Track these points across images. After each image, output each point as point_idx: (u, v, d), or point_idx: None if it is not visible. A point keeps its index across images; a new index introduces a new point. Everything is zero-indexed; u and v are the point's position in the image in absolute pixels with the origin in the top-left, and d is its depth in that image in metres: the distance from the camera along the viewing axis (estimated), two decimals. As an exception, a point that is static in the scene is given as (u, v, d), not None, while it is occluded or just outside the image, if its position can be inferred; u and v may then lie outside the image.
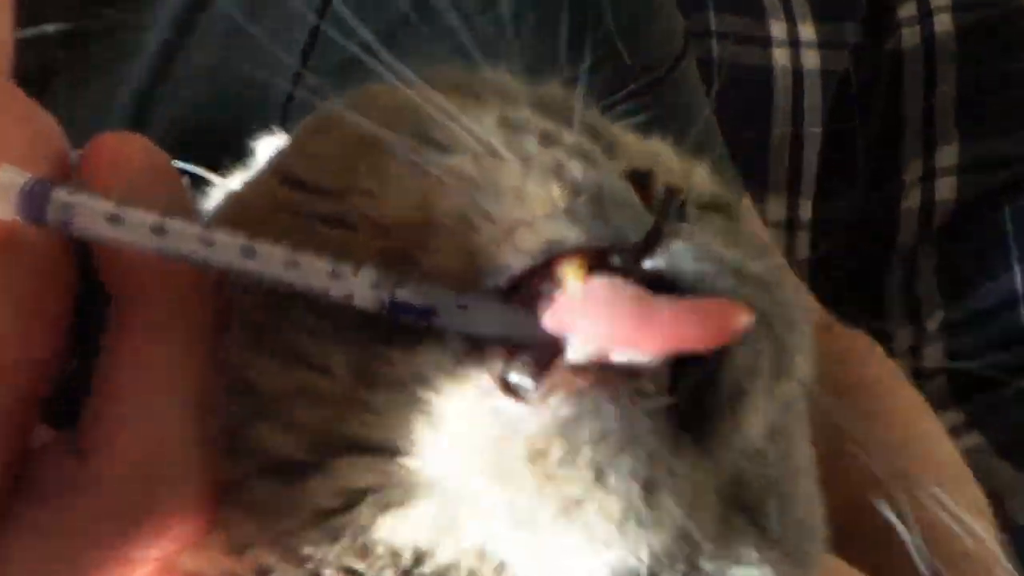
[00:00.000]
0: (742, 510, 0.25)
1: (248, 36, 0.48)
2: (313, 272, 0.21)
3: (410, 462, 0.22)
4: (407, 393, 0.21)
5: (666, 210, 0.23)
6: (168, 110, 0.53)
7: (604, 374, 0.21)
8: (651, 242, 0.22)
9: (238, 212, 0.27)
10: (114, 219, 0.21)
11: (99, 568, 0.22)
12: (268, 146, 0.36)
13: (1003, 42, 0.79)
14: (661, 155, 0.33)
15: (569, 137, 0.24)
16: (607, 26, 0.57)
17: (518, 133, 0.23)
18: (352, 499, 0.22)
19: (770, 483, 0.26)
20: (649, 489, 0.21)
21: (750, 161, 0.77)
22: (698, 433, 0.23)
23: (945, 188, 0.77)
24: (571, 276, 0.21)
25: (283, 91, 0.48)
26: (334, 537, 0.23)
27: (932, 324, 0.74)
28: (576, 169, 0.22)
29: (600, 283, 0.21)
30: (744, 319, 0.21)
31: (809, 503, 0.29)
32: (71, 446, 0.22)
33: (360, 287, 0.21)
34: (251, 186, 0.29)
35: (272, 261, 0.21)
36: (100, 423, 0.22)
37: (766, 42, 0.79)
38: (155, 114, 0.53)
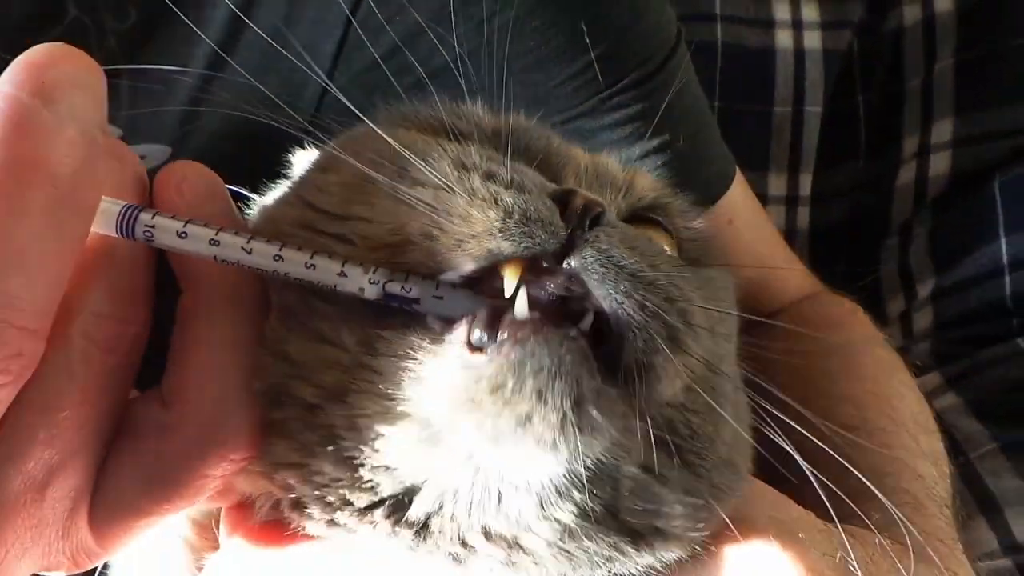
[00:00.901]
0: (671, 449, 0.32)
1: (285, 45, 0.55)
2: (326, 272, 0.28)
3: (402, 404, 0.29)
4: (397, 359, 0.29)
5: (581, 223, 0.30)
6: (217, 112, 0.59)
7: (540, 325, 0.28)
8: (564, 250, 0.29)
9: (272, 226, 0.34)
10: (182, 235, 0.28)
11: (183, 484, 0.30)
12: (302, 159, 0.44)
13: (1002, 20, 0.81)
14: (605, 167, 0.40)
15: (505, 175, 0.31)
16: (606, 22, 0.62)
17: (466, 172, 0.31)
18: (354, 422, 0.29)
19: (694, 428, 0.33)
20: (580, 404, 0.28)
21: (752, 140, 0.82)
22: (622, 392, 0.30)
23: (940, 162, 0.80)
24: (508, 276, 0.28)
25: (315, 95, 0.55)
26: (337, 459, 0.30)
27: (924, 291, 0.78)
28: (509, 198, 0.29)
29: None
30: None
31: (735, 444, 0.35)
32: (157, 397, 0.30)
33: (362, 283, 0.28)
34: (279, 206, 0.36)
35: (296, 263, 0.28)
36: (178, 380, 0.30)
37: (769, 24, 0.83)
38: (206, 113, 0.60)
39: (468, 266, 0.29)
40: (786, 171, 0.83)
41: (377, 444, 0.29)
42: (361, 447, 0.29)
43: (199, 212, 0.30)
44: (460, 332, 0.28)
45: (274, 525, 0.34)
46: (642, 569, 0.33)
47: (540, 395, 0.27)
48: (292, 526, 0.33)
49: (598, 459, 0.30)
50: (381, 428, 0.29)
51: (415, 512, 0.30)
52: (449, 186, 0.30)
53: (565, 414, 0.27)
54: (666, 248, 0.39)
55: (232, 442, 0.30)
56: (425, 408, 0.29)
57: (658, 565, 0.33)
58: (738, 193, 0.68)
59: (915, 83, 0.84)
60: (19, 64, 0.26)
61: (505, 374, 0.27)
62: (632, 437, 0.30)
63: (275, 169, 0.44)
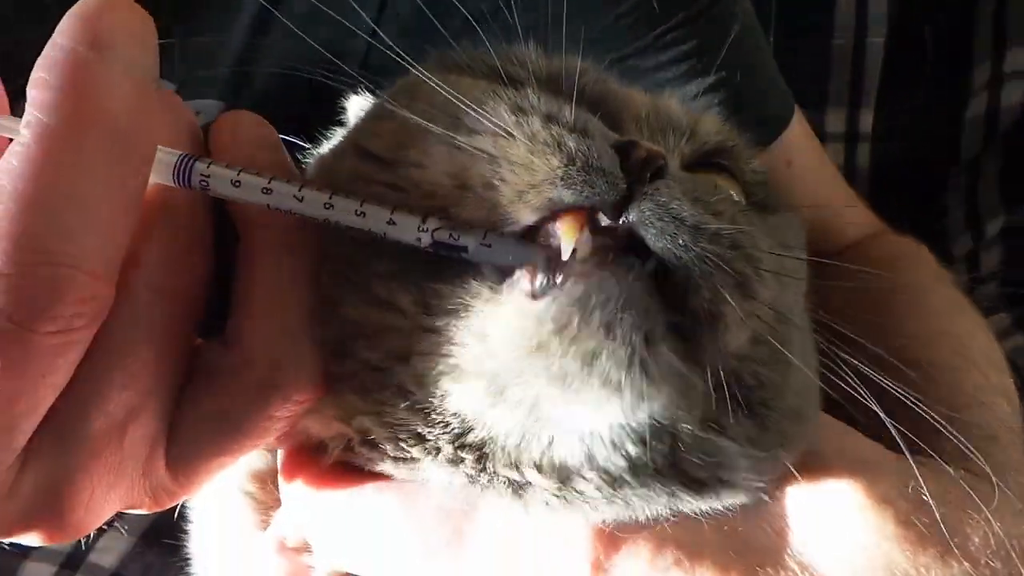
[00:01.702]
0: (737, 399, 0.31)
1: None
2: (376, 219, 0.28)
3: (464, 360, 0.29)
4: (455, 313, 0.29)
5: (642, 175, 0.29)
6: (268, 62, 0.59)
7: (605, 259, 0.27)
8: (624, 202, 0.28)
9: (327, 176, 0.34)
10: (236, 183, 0.29)
11: (249, 425, 0.31)
12: (355, 105, 0.43)
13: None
14: (666, 111, 0.39)
15: (568, 116, 0.30)
16: None
17: (525, 116, 0.30)
18: (424, 379, 0.30)
19: (760, 379, 0.32)
20: (650, 339, 0.27)
21: (810, 74, 0.79)
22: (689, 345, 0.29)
23: (1013, 93, 0.76)
24: (565, 230, 0.28)
25: (361, 46, 0.55)
26: (411, 407, 0.31)
27: (992, 230, 0.75)
28: (572, 144, 0.29)
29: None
30: None
31: (803, 391, 0.34)
32: (223, 341, 0.31)
33: (411, 230, 0.28)
34: (334, 155, 0.36)
35: (346, 211, 0.29)
36: (238, 324, 0.31)
37: (830, -47, 0.79)
38: (258, 65, 0.60)
39: (528, 218, 0.28)
40: (846, 107, 0.80)
41: (446, 399, 0.30)
42: (431, 400, 0.30)
43: (253, 159, 0.31)
44: (519, 280, 0.28)
45: (338, 468, 0.35)
46: (706, 508, 0.33)
47: (608, 329, 0.26)
48: (360, 465, 0.34)
49: (660, 413, 0.30)
50: (448, 385, 0.29)
51: (475, 439, 0.31)
52: (508, 132, 0.29)
53: (634, 350, 0.27)
54: (732, 194, 0.38)
55: (292, 384, 0.31)
56: (489, 361, 0.29)
57: (722, 507, 0.33)
58: (797, 132, 0.66)
59: (987, 8, 0.79)
60: (72, 15, 0.26)
61: (570, 310, 0.27)
62: (695, 389, 0.30)
63: (329, 118, 0.44)
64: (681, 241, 0.28)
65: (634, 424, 0.30)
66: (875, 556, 0.33)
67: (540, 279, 0.28)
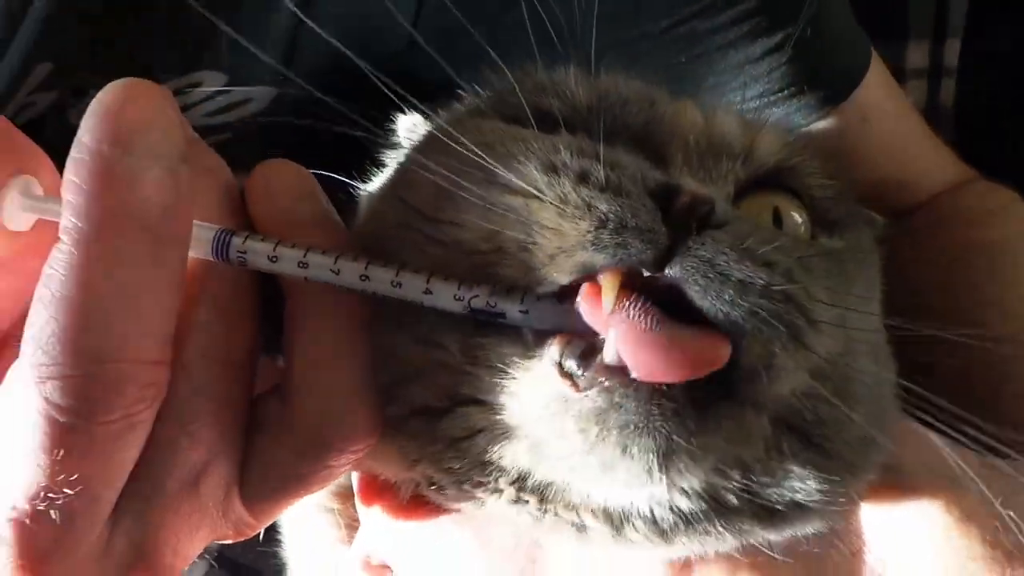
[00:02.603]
0: (798, 435, 0.31)
1: None
2: (412, 289, 0.28)
3: (505, 417, 0.29)
4: (495, 371, 0.29)
5: (687, 225, 0.28)
6: (313, 50, 0.58)
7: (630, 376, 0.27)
8: (663, 260, 0.27)
9: (376, 222, 0.34)
10: (273, 259, 0.29)
11: (308, 475, 0.32)
12: (405, 124, 0.42)
13: None
14: (719, 133, 0.36)
15: (599, 174, 0.29)
16: None
17: (556, 176, 0.29)
18: (473, 432, 0.30)
19: (820, 415, 0.31)
20: (668, 458, 0.27)
21: (887, 4, 0.72)
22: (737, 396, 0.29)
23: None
24: (605, 291, 0.27)
25: (404, 38, 0.53)
26: (464, 458, 0.31)
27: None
28: (604, 205, 0.28)
29: (620, 316, 0.26)
30: (723, 353, 0.27)
31: (873, 417, 0.33)
32: (279, 394, 0.32)
33: (448, 299, 0.28)
34: (381, 199, 0.36)
35: (382, 281, 0.28)
36: (290, 380, 0.31)
37: None
38: (305, 52, 0.58)
39: (561, 280, 0.28)
40: (929, 38, 0.73)
41: (493, 451, 0.30)
42: (481, 451, 0.30)
43: (289, 212, 0.31)
44: (552, 351, 0.28)
45: (413, 500, 0.36)
46: (776, 539, 0.33)
47: (625, 449, 0.27)
48: (432, 503, 0.35)
49: (701, 479, 0.29)
50: (492, 438, 0.30)
51: (534, 483, 0.31)
52: (540, 193, 0.28)
53: (651, 467, 0.27)
54: (795, 217, 0.36)
55: (346, 437, 0.32)
56: (524, 424, 0.29)
57: (791, 535, 0.33)
58: (873, 83, 0.61)
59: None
60: (93, 114, 0.26)
61: (589, 420, 0.27)
62: (748, 435, 0.29)
63: (381, 100, 0.44)
64: (727, 297, 0.27)
65: (681, 488, 0.30)
66: None
67: (572, 361, 0.28)
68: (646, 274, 0.27)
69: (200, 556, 0.68)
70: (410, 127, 0.43)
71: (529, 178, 0.29)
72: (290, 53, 0.58)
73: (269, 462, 0.32)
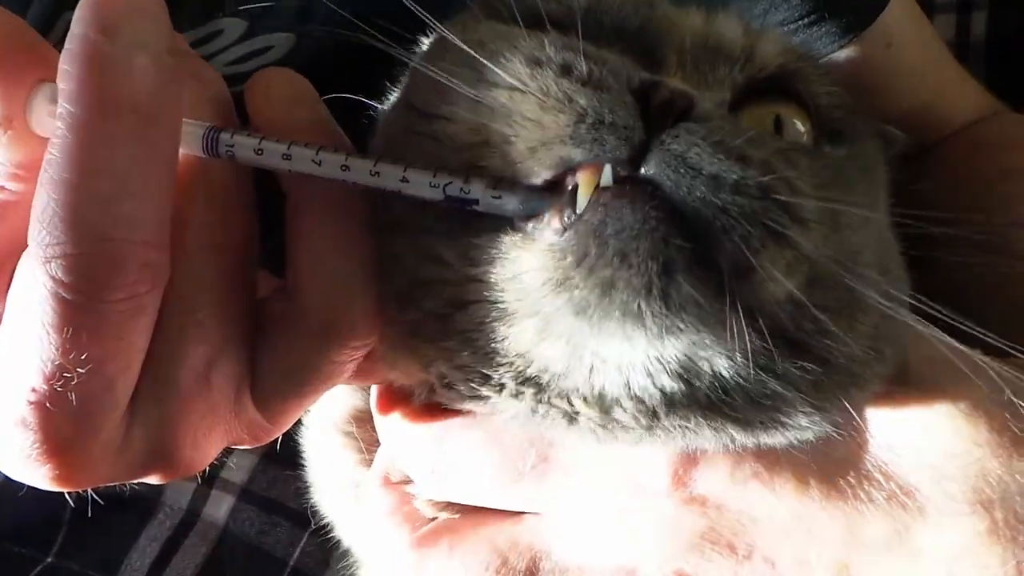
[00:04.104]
0: (794, 345, 0.31)
1: None
2: (390, 178, 0.29)
3: (511, 304, 0.30)
4: (496, 261, 0.30)
5: (660, 122, 0.28)
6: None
7: (624, 188, 0.27)
8: (638, 156, 0.28)
9: (387, 129, 0.35)
10: (259, 151, 0.30)
11: (316, 371, 0.34)
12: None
13: None
14: (718, 35, 0.36)
15: (582, 67, 0.29)
16: None
17: (540, 69, 0.29)
18: (481, 324, 0.31)
19: (821, 325, 0.31)
20: (668, 269, 0.27)
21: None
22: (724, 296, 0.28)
23: None
24: (581, 185, 0.28)
25: None
26: (475, 351, 0.32)
27: None
28: (583, 99, 0.28)
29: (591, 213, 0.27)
30: None
31: (880, 329, 0.33)
32: (283, 293, 0.33)
33: (424, 186, 0.29)
34: (392, 107, 0.37)
35: (361, 171, 0.29)
36: (293, 276, 0.33)
37: None
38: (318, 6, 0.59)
39: (544, 173, 0.28)
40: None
41: (504, 342, 0.31)
42: (491, 344, 0.31)
43: (287, 117, 0.32)
44: (546, 221, 0.28)
45: (427, 406, 0.38)
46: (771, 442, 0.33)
47: (624, 257, 0.27)
48: (445, 404, 0.37)
49: (687, 346, 0.30)
50: (503, 329, 0.31)
51: (532, 377, 0.32)
52: (523, 86, 0.29)
53: (650, 279, 0.27)
54: (797, 124, 0.35)
55: (350, 331, 0.33)
56: (528, 301, 0.30)
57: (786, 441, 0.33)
58: (898, 9, 0.60)
59: None
60: (84, 4, 0.27)
61: (587, 239, 0.27)
62: (728, 329, 0.29)
63: (402, 43, 0.44)
64: (699, 193, 0.27)
65: (665, 356, 0.30)
66: (966, 463, 0.32)
67: (565, 218, 0.28)
68: (622, 172, 0.28)
69: (226, 490, 0.71)
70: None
71: (513, 71, 0.29)
72: (305, 10, 0.58)
73: (277, 359, 0.34)
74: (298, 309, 0.33)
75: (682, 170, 0.27)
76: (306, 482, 0.53)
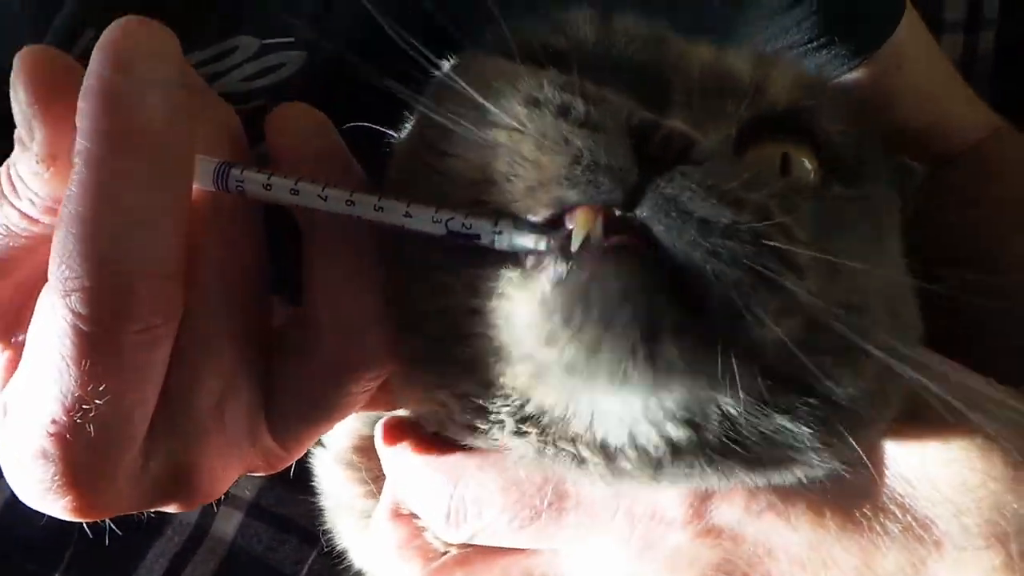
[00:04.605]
0: (795, 386, 0.30)
1: None
2: (394, 213, 0.30)
3: (506, 342, 0.30)
4: (495, 296, 0.30)
5: (656, 165, 0.28)
6: (347, 13, 0.58)
7: (611, 248, 0.27)
8: (634, 198, 0.28)
9: (402, 161, 0.36)
10: (267, 186, 0.30)
11: (330, 402, 0.34)
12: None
13: None
14: (727, 69, 0.36)
15: (579, 108, 0.29)
16: None
17: (538, 109, 0.30)
18: (481, 360, 0.32)
19: (821, 367, 0.30)
20: (653, 333, 0.27)
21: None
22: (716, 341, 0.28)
23: None
24: (577, 225, 0.28)
25: None
26: (475, 383, 0.32)
27: None
28: (579, 141, 0.28)
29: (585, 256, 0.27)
30: None
31: (884, 371, 0.32)
32: (298, 323, 0.34)
33: (426, 223, 0.29)
34: (406, 140, 0.38)
35: (366, 206, 0.30)
36: (308, 307, 0.33)
37: None
38: (335, 15, 0.58)
39: (542, 212, 0.29)
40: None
41: (501, 378, 0.31)
42: (491, 378, 0.32)
43: (304, 151, 0.32)
44: (543, 263, 0.28)
45: (435, 439, 0.38)
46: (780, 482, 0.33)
47: (608, 322, 0.26)
48: (451, 437, 0.36)
49: (692, 395, 0.30)
50: (500, 365, 0.31)
51: (534, 416, 0.32)
52: (521, 127, 0.29)
53: (636, 343, 0.27)
54: (804, 163, 0.35)
55: (364, 363, 0.33)
56: (522, 348, 0.30)
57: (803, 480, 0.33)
58: (907, 31, 0.60)
59: None
60: (99, 45, 0.28)
61: (572, 301, 0.27)
62: (733, 379, 0.29)
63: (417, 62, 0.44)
64: (689, 237, 0.27)
65: (666, 406, 0.30)
66: (982, 497, 0.32)
67: (557, 266, 0.28)
68: (617, 213, 0.28)
69: (235, 506, 0.71)
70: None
71: (512, 112, 0.30)
72: (320, 13, 0.59)
73: (292, 389, 0.34)
74: (313, 341, 0.33)
75: (673, 214, 0.27)
76: (315, 502, 0.54)
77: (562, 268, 0.28)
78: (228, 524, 0.69)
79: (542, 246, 0.28)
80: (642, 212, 0.28)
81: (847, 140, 0.37)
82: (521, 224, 0.29)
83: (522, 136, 0.29)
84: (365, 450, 0.46)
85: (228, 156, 0.32)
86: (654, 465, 0.32)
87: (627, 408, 0.30)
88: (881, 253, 0.36)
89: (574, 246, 0.27)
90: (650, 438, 0.31)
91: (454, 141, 0.32)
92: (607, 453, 0.32)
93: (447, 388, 0.34)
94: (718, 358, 0.28)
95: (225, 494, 0.68)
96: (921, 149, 0.63)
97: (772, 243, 0.28)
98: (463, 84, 0.31)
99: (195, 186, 0.30)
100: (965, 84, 0.65)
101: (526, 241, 0.28)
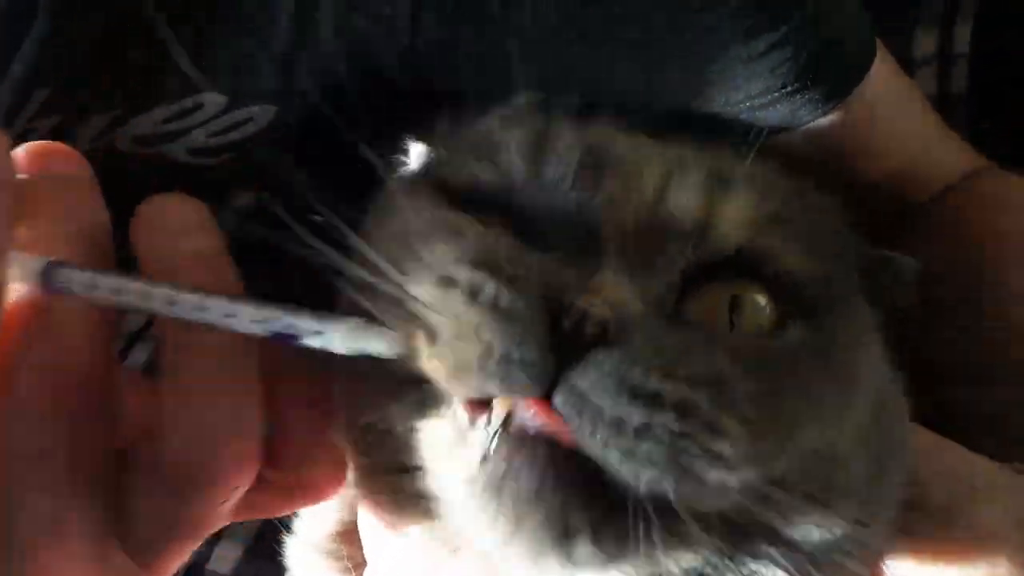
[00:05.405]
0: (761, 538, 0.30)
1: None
2: (216, 313, 0.27)
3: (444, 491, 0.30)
4: (433, 445, 0.30)
5: (569, 355, 0.27)
6: (311, 67, 0.56)
7: (527, 444, 0.27)
8: (551, 387, 0.27)
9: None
10: (91, 286, 0.28)
11: (183, 517, 0.31)
12: (415, 152, 0.42)
13: None
14: (672, 206, 0.33)
15: (491, 289, 0.28)
16: None
17: (450, 290, 0.29)
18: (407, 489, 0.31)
19: (777, 528, 0.30)
20: (567, 533, 0.27)
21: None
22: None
23: None
24: (496, 410, 0.28)
25: (406, 28, 0.53)
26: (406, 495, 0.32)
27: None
28: (488, 335, 0.27)
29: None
30: None
31: (865, 513, 0.31)
32: (148, 436, 0.31)
33: (247, 324, 0.27)
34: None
35: (187, 306, 0.28)
36: (161, 414, 0.30)
37: None
38: (304, 67, 0.56)
39: (462, 397, 0.28)
40: (938, 24, 0.68)
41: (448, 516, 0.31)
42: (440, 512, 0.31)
43: (170, 248, 0.30)
44: (470, 440, 0.28)
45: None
46: None
47: (520, 520, 0.27)
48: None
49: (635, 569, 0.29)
50: (442, 506, 0.31)
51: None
52: (436, 308, 0.28)
53: (551, 541, 0.27)
54: (755, 304, 0.32)
55: (211, 482, 0.31)
56: (455, 509, 0.30)
57: None
58: (880, 76, 0.57)
59: None
60: None
61: (488, 496, 0.27)
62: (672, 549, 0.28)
63: (382, 116, 0.42)
64: (599, 438, 0.26)
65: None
66: None
67: (480, 454, 0.28)
68: (537, 398, 0.27)
69: (234, 540, 0.68)
70: (420, 157, 0.42)
71: (427, 292, 0.29)
72: (289, 70, 0.57)
73: (144, 507, 0.31)
74: (163, 452, 0.30)
75: (584, 411, 0.26)
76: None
77: (485, 450, 0.28)
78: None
79: (374, 350, 0.27)
80: (556, 403, 0.27)
81: (807, 273, 0.33)
82: (351, 321, 0.28)
83: (439, 317, 0.28)
84: (348, 535, 0.44)
85: (77, 255, 0.30)
86: None
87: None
88: (850, 393, 0.33)
89: (489, 436, 0.28)
90: None
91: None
92: None
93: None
94: (640, 548, 0.27)
95: (203, 569, 0.67)
96: (896, 192, 0.61)
97: (692, 440, 0.27)
98: (369, 251, 0.30)
99: (21, 287, 0.29)
100: (942, 123, 0.62)
101: (357, 342, 0.27)
